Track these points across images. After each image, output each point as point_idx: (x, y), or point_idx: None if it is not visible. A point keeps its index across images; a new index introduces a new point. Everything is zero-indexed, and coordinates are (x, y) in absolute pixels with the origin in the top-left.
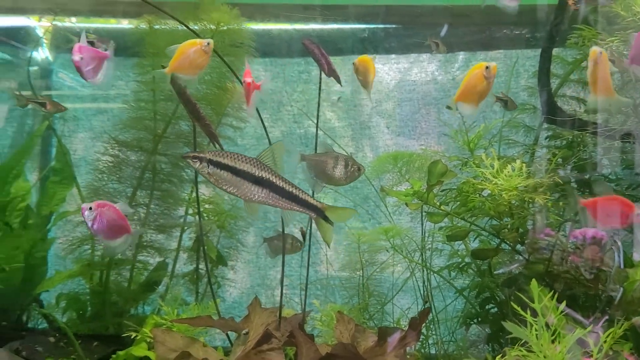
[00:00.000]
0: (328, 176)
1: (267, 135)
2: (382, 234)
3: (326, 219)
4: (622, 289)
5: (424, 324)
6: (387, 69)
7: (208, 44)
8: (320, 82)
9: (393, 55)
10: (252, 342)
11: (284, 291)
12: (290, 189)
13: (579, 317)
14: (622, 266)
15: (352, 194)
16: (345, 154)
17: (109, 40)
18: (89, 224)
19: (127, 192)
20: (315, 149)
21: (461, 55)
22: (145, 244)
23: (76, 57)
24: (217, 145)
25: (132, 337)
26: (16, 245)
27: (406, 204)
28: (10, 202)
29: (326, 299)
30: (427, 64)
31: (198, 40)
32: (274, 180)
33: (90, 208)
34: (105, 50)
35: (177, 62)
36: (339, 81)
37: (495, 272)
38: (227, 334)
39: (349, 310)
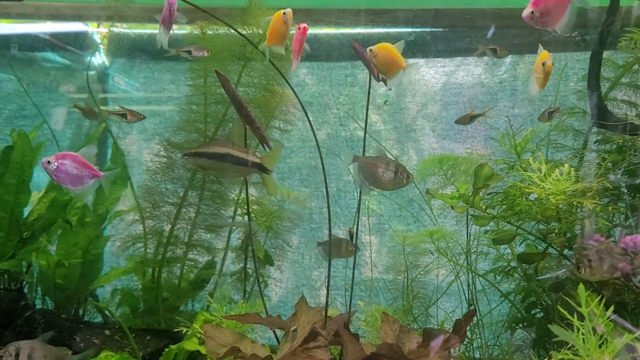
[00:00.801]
0: (377, 180)
1: (315, 137)
2: (427, 237)
3: (266, 170)
4: None
5: (468, 327)
6: (433, 72)
7: (285, 13)
8: (369, 85)
9: (439, 59)
10: (299, 340)
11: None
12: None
13: (627, 324)
14: None
15: (397, 196)
16: (394, 159)
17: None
18: (52, 176)
19: (179, 192)
20: (363, 151)
21: (509, 58)
22: (195, 242)
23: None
24: (266, 148)
25: (183, 332)
26: (75, 242)
27: (452, 207)
28: (70, 201)
29: (370, 300)
30: (474, 67)
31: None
32: (216, 150)
33: (49, 162)
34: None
35: (268, 36)
36: (386, 84)
37: (540, 277)
38: (274, 332)
39: (393, 311)
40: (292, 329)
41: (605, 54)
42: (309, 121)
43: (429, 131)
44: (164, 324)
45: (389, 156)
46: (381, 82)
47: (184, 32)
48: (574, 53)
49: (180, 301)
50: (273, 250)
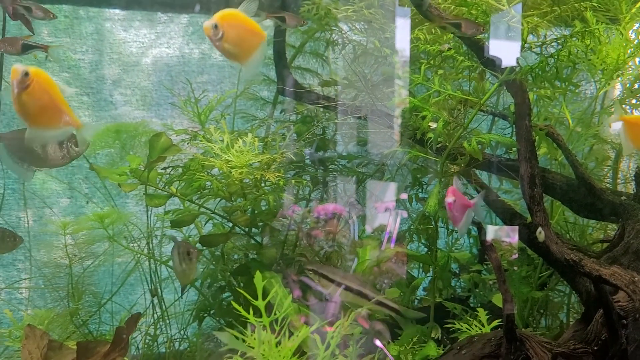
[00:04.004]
0: (38, 158)
1: None
2: (97, 221)
3: None
4: (356, 259)
5: (153, 321)
6: (109, 26)
7: None
8: (3, 26)
9: (117, 11)
10: None
11: None
12: None
13: (318, 287)
14: (357, 238)
15: (67, 173)
16: None
17: None
18: None
19: None
20: None
21: (197, 18)
22: None
23: None
24: None
25: None
26: None
27: (119, 185)
28: None
29: (32, 304)
30: (160, 24)
31: None
32: None
33: None
34: None
35: None
36: (29, 27)
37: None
38: None
39: (53, 317)
40: None
41: None
42: None
43: (106, 94)
44: None
45: None
46: (19, 20)
47: None
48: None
49: None
50: None
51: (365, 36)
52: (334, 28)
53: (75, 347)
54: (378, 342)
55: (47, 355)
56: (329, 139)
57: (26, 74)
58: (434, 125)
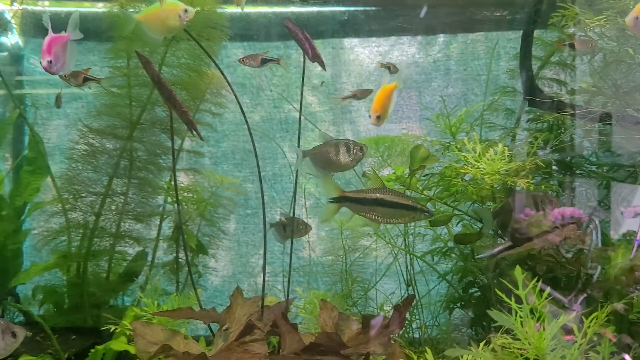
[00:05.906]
0: (334, 164)
1: (246, 119)
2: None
3: None
4: (599, 267)
5: (409, 309)
6: (367, 52)
7: (186, 11)
8: (304, 67)
9: (374, 38)
10: (234, 334)
11: (266, 279)
12: None
13: (557, 295)
14: (599, 245)
15: (334, 178)
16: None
17: None
18: None
19: (102, 180)
20: (299, 135)
21: (441, 38)
22: (123, 233)
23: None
24: (194, 133)
25: (111, 330)
26: None
27: None
28: None
29: (309, 285)
30: (408, 46)
31: (180, 4)
32: None
33: None
34: None
35: (149, 14)
36: (322, 66)
37: (479, 256)
38: (208, 325)
39: (332, 296)
40: (224, 327)
41: (536, 33)
42: (239, 104)
43: (364, 112)
44: (90, 321)
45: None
46: (315, 62)
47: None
48: (506, 32)
49: (108, 296)
50: (207, 238)
51: (617, 43)
52: (583, 37)
53: (358, 319)
54: (627, 357)
55: (337, 323)
56: (575, 145)
57: None
58: None
